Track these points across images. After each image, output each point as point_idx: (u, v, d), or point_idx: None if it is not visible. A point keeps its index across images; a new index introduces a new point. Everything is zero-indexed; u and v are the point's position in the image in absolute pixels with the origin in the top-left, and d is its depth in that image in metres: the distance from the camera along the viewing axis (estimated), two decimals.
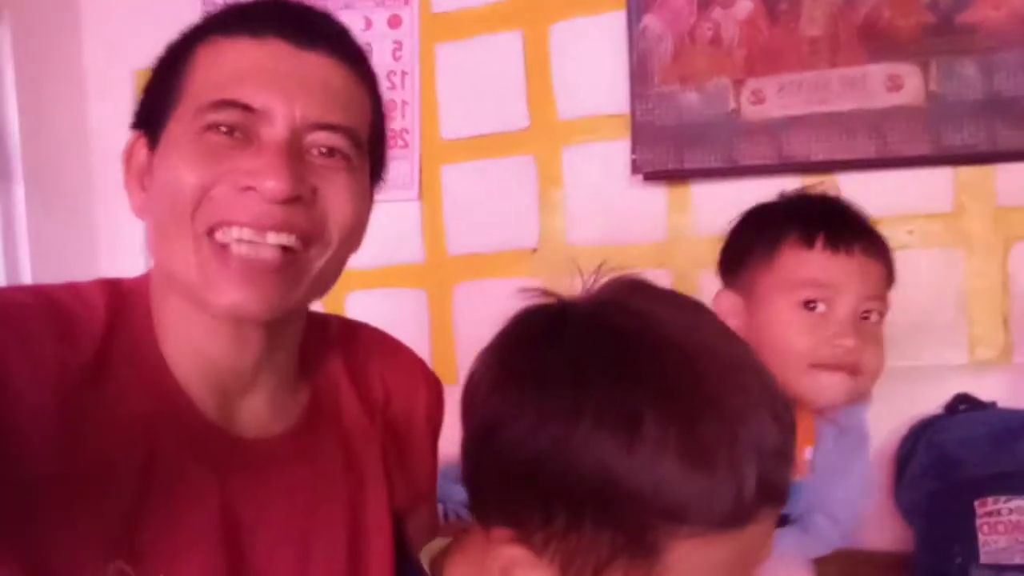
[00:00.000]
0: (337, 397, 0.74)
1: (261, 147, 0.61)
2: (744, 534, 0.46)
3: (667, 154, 1.69)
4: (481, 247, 1.81)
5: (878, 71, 1.56)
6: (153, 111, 0.66)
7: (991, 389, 1.49)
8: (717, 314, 1.03)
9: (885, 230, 1.63)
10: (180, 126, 0.63)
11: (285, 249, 0.62)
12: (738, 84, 1.64)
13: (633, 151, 1.70)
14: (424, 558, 0.63)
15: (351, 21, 1.75)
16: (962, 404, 1.47)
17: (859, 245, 0.97)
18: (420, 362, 0.85)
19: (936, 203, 1.58)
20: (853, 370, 0.95)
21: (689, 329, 0.51)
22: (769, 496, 0.46)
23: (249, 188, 0.61)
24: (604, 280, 0.55)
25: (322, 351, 0.75)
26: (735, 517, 0.46)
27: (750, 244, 1.04)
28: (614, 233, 1.79)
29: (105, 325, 0.63)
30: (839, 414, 1.05)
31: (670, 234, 1.77)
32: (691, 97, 1.67)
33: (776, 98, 1.61)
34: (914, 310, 1.46)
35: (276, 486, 0.67)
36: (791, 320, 0.96)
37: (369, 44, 1.82)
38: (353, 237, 0.68)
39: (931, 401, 1.47)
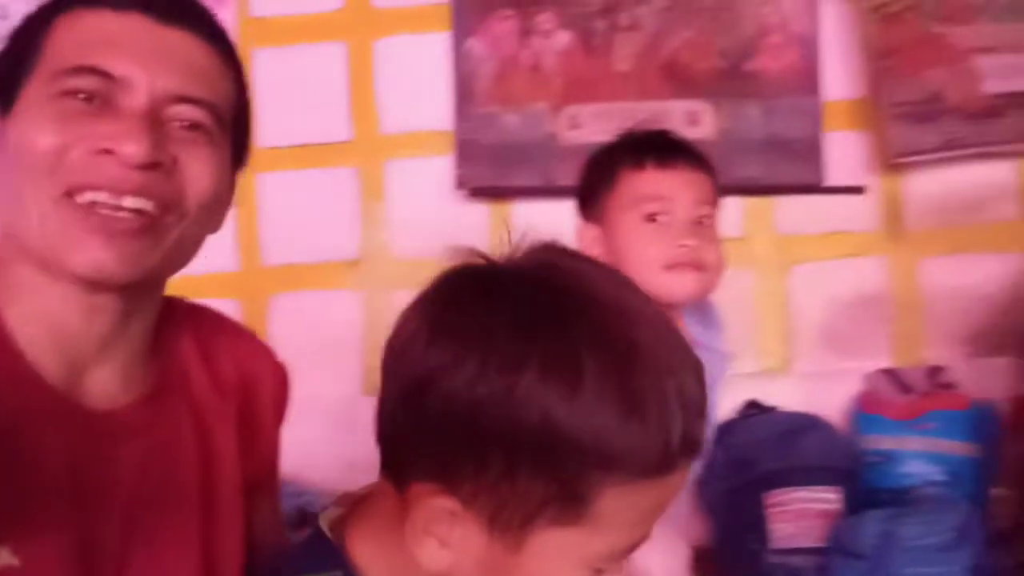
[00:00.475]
0: (187, 374, 0.73)
1: (120, 113, 0.61)
2: (666, 482, 0.49)
3: (490, 171, 1.74)
4: (299, 257, 1.76)
5: (679, 107, 1.73)
6: (6, 78, 0.64)
7: (775, 395, 1.67)
8: (581, 245, 1.14)
9: None
10: (35, 91, 0.62)
11: (142, 213, 0.61)
12: (556, 109, 1.73)
13: (458, 167, 1.74)
14: (323, 524, 0.61)
15: None
16: (752, 409, 1.63)
17: (683, 159, 1.10)
18: (266, 347, 0.84)
19: (726, 228, 1.75)
20: (698, 266, 1.07)
21: (619, 289, 0.54)
22: (690, 448, 0.49)
23: (106, 151, 0.60)
24: (529, 244, 0.56)
25: (171, 328, 0.73)
26: (661, 466, 0.48)
27: (595, 179, 1.15)
28: (439, 247, 1.81)
29: None
30: (699, 338, 1.15)
31: (491, 249, 1.82)
32: (512, 119, 1.74)
33: (591, 124, 1.72)
34: None
35: (126, 457, 0.65)
36: (639, 233, 1.07)
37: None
38: (212, 212, 0.67)
39: (726, 406, 1.61)
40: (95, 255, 0.59)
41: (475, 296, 0.53)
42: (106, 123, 0.60)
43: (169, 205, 0.63)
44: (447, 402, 0.49)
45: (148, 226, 0.62)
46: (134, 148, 0.59)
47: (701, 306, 1.23)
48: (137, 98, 0.61)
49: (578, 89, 1.73)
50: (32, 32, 0.64)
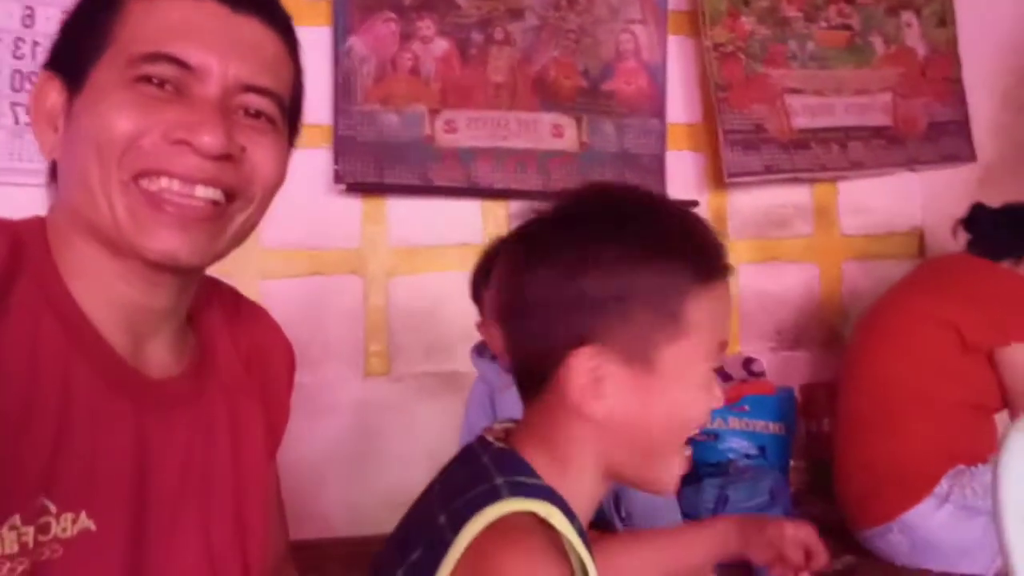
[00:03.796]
0: (215, 346, 0.74)
1: (194, 103, 0.62)
2: (724, 287, 0.68)
3: (368, 168, 1.80)
4: None
5: (546, 119, 1.89)
6: (74, 55, 0.63)
7: None
8: (488, 339, 1.38)
9: None
10: (108, 74, 0.61)
11: (212, 202, 0.63)
12: (433, 113, 1.83)
13: (336, 162, 1.78)
14: (488, 437, 0.70)
15: None
16: None
17: None
18: (275, 321, 0.85)
19: None
20: None
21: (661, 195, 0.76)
22: (728, 263, 0.69)
23: (182, 141, 0.61)
24: (582, 185, 0.74)
25: (201, 301, 0.74)
26: (716, 272, 0.67)
27: (478, 284, 1.37)
28: (310, 238, 1.85)
29: (7, 263, 0.59)
30: None
31: (363, 243, 1.89)
32: (391, 118, 1.81)
33: (466, 130, 1.84)
34: None
35: (178, 426, 0.67)
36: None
37: (31, 8, 1.68)
38: (272, 196, 0.69)
39: None
40: (168, 243, 0.61)
41: (575, 217, 0.68)
42: (181, 112, 0.61)
43: (236, 193, 0.64)
44: (600, 281, 0.64)
45: (218, 215, 0.63)
46: (209, 139, 0.60)
47: None
48: (210, 87, 0.62)
49: (455, 95, 1.84)
50: (102, 11, 0.64)
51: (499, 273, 0.71)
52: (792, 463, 1.95)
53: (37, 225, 0.64)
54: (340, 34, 1.79)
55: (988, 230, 1.63)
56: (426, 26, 1.83)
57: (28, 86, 1.70)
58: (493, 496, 0.62)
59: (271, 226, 1.77)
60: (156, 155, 0.61)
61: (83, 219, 0.62)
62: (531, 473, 0.65)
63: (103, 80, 0.62)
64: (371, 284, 1.89)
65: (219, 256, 0.67)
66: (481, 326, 1.39)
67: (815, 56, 2.03)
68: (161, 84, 0.62)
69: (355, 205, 1.87)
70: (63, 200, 0.64)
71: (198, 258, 0.64)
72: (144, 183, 0.61)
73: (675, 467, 0.69)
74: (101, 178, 0.60)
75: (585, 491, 0.68)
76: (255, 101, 0.65)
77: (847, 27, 2.06)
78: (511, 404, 1.30)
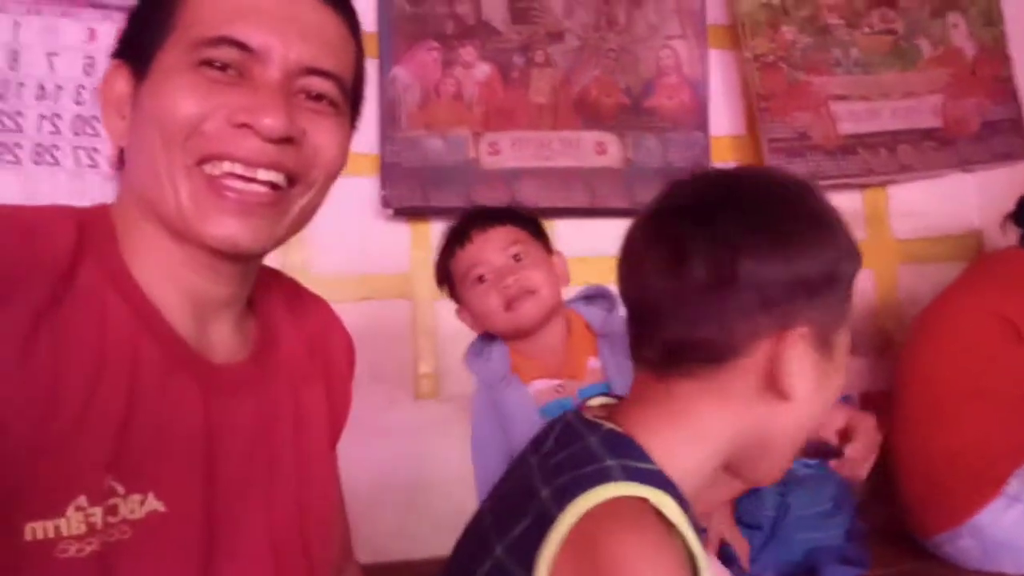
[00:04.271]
0: (278, 333, 0.74)
1: (256, 86, 0.62)
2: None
3: (413, 192, 1.83)
4: None
5: (589, 137, 1.90)
6: (140, 42, 0.64)
7: None
8: (463, 322, 1.38)
9: (592, 269, 1.96)
10: (172, 58, 0.62)
11: (273, 186, 0.63)
12: (477, 136, 1.86)
13: (383, 187, 1.82)
14: (589, 415, 0.69)
15: (74, 31, 1.67)
16: None
17: (486, 223, 1.33)
18: (333, 310, 0.86)
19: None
20: (529, 291, 1.29)
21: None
22: None
23: (244, 125, 0.61)
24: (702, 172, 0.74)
25: (262, 289, 0.75)
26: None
27: (443, 276, 1.40)
28: (359, 264, 1.88)
29: (73, 245, 0.60)
30: (603, 327, 1.37)
31: (412, 267, 1.92)
32: (435, 143, 1.84)
33: (510, 151, 1.86)
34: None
35: (243, 411, 0.67)
36: (476, 294, 1.31)
37: (91, 57, 1.77)
38: (333, 180, 0.68)
39: None
40: (229, 229, 0.61)
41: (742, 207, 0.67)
42: (243, 95, 0.61)
43: (298, 177, 0.64)
44: (795, 268, 0.64)
45: (279, 199, 0.64)
46: (271, 122, 0.60)
47: (600, 300, 1.44)
48: (272, 70, 0.62)
49: (497, 118, 1.86)
50: (164, 1, 0.64)
51: (648, 254, 0.68)
52: None
53: (101, 211, 0.66)
54: (385, 64, 1.84)
55: None
56: (468, 52, 1.86)
57: (89, 131, 1.77)
58: (603, 477, 0.59)
59: (322, 253, 1.84)
60: (219, 139, 0.61)
61: (149, 205, 0.63)
62: (642, 457, 0.63)
63: (167, 65, 0.62)
64: (419, 307, 1.92)
65: (280, 242, 0.67)
66: (459, 313, 1.38)
67: (859, 62, 2.01)
68: (223, 67, 0.62)
69: (403, 230, 1.90)
70: (131, 186, 0.65)
71: (259, 244, 0.64)
72: (208, 168, 0.62)
73: (789, 460, 0.70)
74: (167, 163, 0.61)
75: (703, 481, 0.66)
76: (317, 84, 0.65)
77: (891, 32, 2.03)
78: (513, 403, 1.32)
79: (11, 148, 1.68)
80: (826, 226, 0.65)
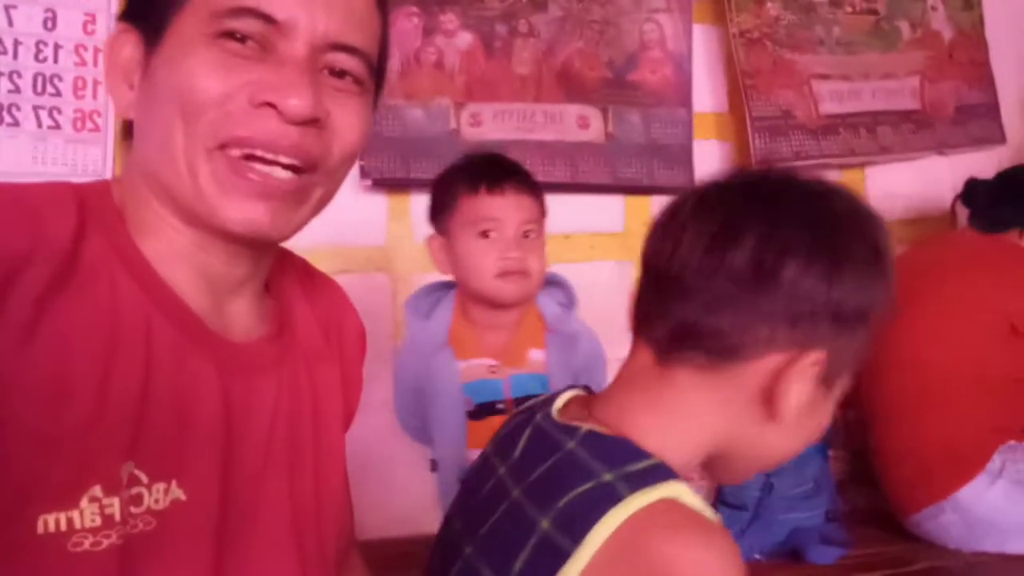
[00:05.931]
0: (294, 312, 0.72)
1: (280, 61, 0.58)
2: None
3: (393, 163, 1.78)
4: None
5: (572, 110, 1.86)
6: (153, 5, 0.59)
7: None
8: (430, 251, 1.33)
9: (573, 244, 1.93)
10: (189, 27, 0.58)
11: (295, 171, 0.60)
12: (459, 106, 1.81)
13: (362, 157, 1.76)
14: (555, 410, 0.67)
15: None
16: None
17: (511, 184, 1.28)
18: (345, 292, 0.83)
19: (612, 224, 1.92)
20: (524, 273, 1.27)
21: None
22: None
23: (267, 104, 0.57)
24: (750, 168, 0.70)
25: (275, 269, 0.72)
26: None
27: (439, 200, 1.33)
28: (335, 235, 1.83)
29: (76, 221, 0.56)
30: (555, 323, 1.36)
31: (389, 240, 1.87)
32: (416, 113, 1.79)
33: (491, 122, 1.82)
34: (595, 311, 1.76)
35: (262, 391, 0.64)
36: (475, 246, 1.27)
37: (52, 11, 1.68)
38: (352, 164, 0.66)
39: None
40: (250, 215, 0.58)
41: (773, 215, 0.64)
42: (267, 71, 0.57)
43: (318, 162, 0.61)
44: (847, 297, 0.62)
45: (300, 186, 0.61)
46: (297, 102, 0.57)
47: (558, 291, 1.42)
48: (297, 45, 0.58)
49: (480, 88, 1.82)
50: None
51: (695, 224, 0.65)
52: (831, 452, 1.92)
53: (102, 187, 0.62)
54: None
55: (988, 203, 1.63)
56: (449, 20, 1.81)
57: (50, 89, 1.69)
58: (610, 499, 0.56)
59: None
60: (243, 122, 0.58)
61: (161, 184, 0.60)
62: (638, 455, 0.60)
63: (184, 34, 0.58)
64: (397, 281, 1.87)
65: (296, 229, 0.64)
66: (432, 240, 1.34)
67: (841, 41, 2.01)
68: (244, 40, 0.58)
69: (380, 201, 1.85)
70: (140, 162, 0.61)
71: (278, 230, 0.61)
72: (230, 151, 0.58)
73: (751, 476, 0.69)
74: (185, 144, 0.57)
75: (689, 474, 0.64)
76: (343, 60, 0.61)
77: (873, 11, 2.04)
78: (437, 374, 1.31)
79: None
80: (880, 267, 0.64)
